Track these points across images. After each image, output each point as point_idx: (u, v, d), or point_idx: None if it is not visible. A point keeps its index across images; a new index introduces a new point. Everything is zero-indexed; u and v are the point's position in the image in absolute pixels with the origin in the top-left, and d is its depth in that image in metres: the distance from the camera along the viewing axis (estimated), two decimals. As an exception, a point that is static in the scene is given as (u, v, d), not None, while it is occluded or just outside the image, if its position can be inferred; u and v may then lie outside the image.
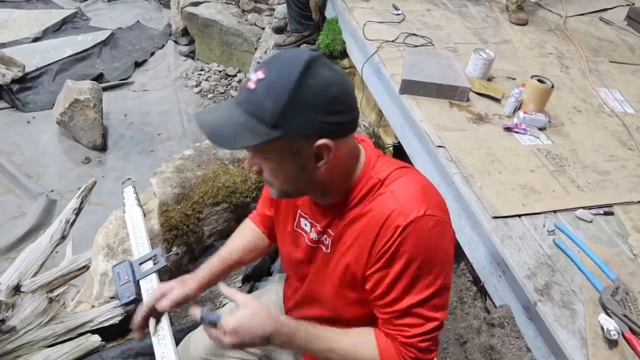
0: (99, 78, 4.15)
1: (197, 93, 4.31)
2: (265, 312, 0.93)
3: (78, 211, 2.12)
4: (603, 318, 1.43)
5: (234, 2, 4.81)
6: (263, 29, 4.37)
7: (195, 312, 0.95)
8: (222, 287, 1.01)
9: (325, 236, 1.05)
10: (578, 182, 1.96)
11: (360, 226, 0.97)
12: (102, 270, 1.76)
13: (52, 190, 3.19)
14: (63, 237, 2.03)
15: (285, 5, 3.41)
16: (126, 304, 1.65)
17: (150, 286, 1.56)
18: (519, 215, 1.77)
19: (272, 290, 1.42)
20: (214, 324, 0.92)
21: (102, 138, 3.57)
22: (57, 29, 4.82)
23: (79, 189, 2.14)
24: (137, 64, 4.55)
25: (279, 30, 3.53)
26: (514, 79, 2.56)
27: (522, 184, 1.89)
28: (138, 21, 5.18)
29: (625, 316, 1.43)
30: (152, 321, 1.20)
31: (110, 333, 1.66)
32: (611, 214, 1.85)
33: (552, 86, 2.24)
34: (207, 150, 2.11)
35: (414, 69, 2.33)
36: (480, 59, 2.41)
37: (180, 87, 4.33)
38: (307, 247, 1.09)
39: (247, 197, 2.07)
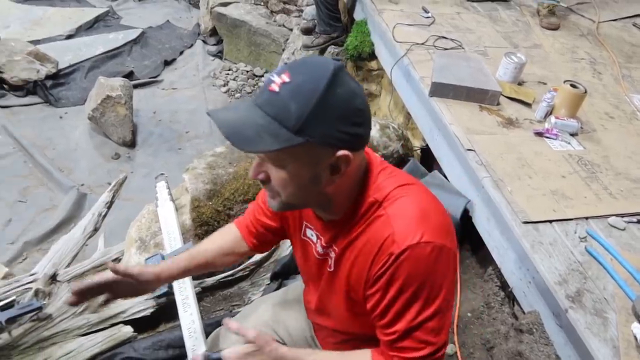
0: (129, 76, 4.21)
1: (225, 92, 4.35)
2: (267, 350, 1.01)
3: (110, 205, 2.18)
4: (636, 327, 1.41)
5: (262, 3, 4.86)
6: (291, 30, 4.39)
7: (198, 358, 1.04)
8: (229, 323, 1.09)
9: (330, 251, 1.03)
10: (610, 189, 1.93)
11: (361, 245, 0.96)
12: (135, 263, 1.80)
13: (82, 184, 3.25)
14: (95, 230, 2.08)
15: (314, 6, 3.43)
16: (158, 297, 1.70)
17: (182, 280, 1.59)
18: (550, 221, 1.75)
19: (299, 288, 1.42)
20: None
21: (132, 134, 3.63)
22: (90, 26, 4.92)
23: (109, 183, 2.19)
24: (167, 63, 4.62)
25: (307, 31, 3.55)
26: (544, 83, 2.53)
27: (553, 190, 1.88)
28: (168, 20, 5.27)
29: (659, 326, 1.41)
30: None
31: (142, 324, 1.69)
32: (645, 222, 1.82)
33: (585, 91, 2.21)
34: (238, 147, 2.13)
35: (443, 72, 2.32)
36: (511, 63, 2.40)
37: (208, 86, 4.37)
38: (316, 261, 1.08)
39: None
